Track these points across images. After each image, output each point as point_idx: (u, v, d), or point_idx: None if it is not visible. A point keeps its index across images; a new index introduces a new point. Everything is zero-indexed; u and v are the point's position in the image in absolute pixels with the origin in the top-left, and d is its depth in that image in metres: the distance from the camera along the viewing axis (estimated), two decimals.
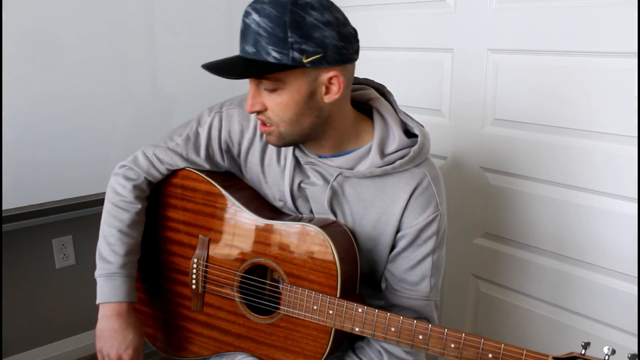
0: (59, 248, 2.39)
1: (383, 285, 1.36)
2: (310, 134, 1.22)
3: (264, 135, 1.32)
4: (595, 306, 1.71)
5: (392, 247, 1.31)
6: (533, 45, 1.72)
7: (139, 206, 1.37)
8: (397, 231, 1.28)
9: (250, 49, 1.10)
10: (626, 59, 1.53)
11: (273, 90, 1.14)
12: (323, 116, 1.20)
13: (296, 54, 1.09)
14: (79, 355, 2.50)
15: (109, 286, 1.34)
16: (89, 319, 2.49)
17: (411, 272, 1.30)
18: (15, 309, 2.33)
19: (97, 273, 1.36)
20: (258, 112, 1.17)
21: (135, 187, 1.37)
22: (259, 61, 1.10)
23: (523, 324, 1.91)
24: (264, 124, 1.19)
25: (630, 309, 1.62)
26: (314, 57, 1.10)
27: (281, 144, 1.22)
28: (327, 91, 1.17)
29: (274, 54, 1.08)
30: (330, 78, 1.15)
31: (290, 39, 1.08)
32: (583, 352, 1.02)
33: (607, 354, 0.99)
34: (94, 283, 1.34)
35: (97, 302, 1.34)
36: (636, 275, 1.59)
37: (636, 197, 1.56)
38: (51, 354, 2.44)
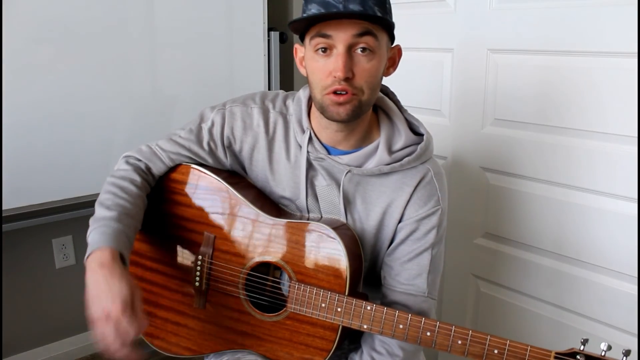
0: (59, 248, 2.39)
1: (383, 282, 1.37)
2: (367, 111, 1.25)
3: (270, 132, 1.33)
4: (594, 306, 1.71)
5: (392, 240, 1.32)
6: (533, 45, 1.73)
7: (138, 179, 1.32)
8: (399, 222, 1.30)
9: (356, 7, 1.11)
10: (626, 59, 1.54)
11: (369, 52, 1.15)
12: (378, 93, 1.26)
13: (391, 21, 1.17)
14: (79, 355, 2.50)
15: (96, 236, 1.18)
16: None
17: (409, 265, 1.31)
18: (15, 309, 2.32)
19: (87, 233, 1.21)
20: (346, 79, 1.14)
21: (135, 166, 1.35)
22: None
23: (523, 324, 1.92)
24: (345, 92, 1.16)
25: (629, 309, 1.63)
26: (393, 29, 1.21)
27: (353, 115, 1.19)
28: (391, 64, 1.25)
29: (379, 14, 1.13)
30: (399, 50, 1.26)
31: (387, 6, 1.17)
32: (582, 348, 1.05)
33: (603, 350, 1.04)
34: None
35: (85, 258, 1.18)
36: (636, 275, 1.60)
37: (636, 197, 1.57)
38: (51, 354, 2.44)
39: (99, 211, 1.25)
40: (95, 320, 1.10)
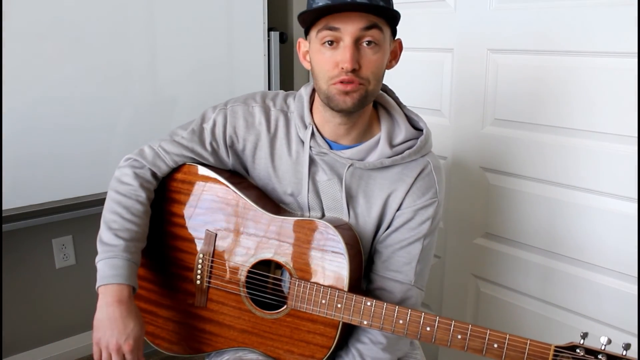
0: (59, 248, 2.38)
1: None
2: (371, 101, 1.26)
3: (271, 129, 1.35)
4: (595, 306, 1.72)
5: (387, 227, 1.34)
6: (533, 45, 1.73)
7: (143, 195, 1.35)
8: (397, 211, 1.32)
9: None
10: (626, 59, 1.54)
11: (374, 45, 1.17)
12: (381, 85, 1.28)
13: (398, 12, 1.18)
14: (79, 355, 2.49)
15: (110, 268, 1.26)
16: (89, 319, 2.45)
17: (399, 253, 1.32)
18: (15, 309, 2.32)
19: (97, 258, 1.29)
20: (353, 70, 1.16)
21: (139, 176, 1.36)
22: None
23: (523, 324, 1.92)
24: (352, 82, 1.17)
25: (629, 309, 1.63)
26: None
27: (359, 105, 1.20)
28: (393, 57, 1.27)
29: (385, 5, 1.15)
30: (400, 44, 1.28)
31: (391, 0, 1.20)
32: (582, 341, 1.06)
33: (603, 344, 1.04)
34: (94, 283, 1.29)
35: (97, 285, 1.27)
36: (636, 275, 1.60)
37: (636, 197, 1.57)
38: (51, 354, 2.43)
39: (107, 235, 1.30)
40: (103, 348, 1.24)
